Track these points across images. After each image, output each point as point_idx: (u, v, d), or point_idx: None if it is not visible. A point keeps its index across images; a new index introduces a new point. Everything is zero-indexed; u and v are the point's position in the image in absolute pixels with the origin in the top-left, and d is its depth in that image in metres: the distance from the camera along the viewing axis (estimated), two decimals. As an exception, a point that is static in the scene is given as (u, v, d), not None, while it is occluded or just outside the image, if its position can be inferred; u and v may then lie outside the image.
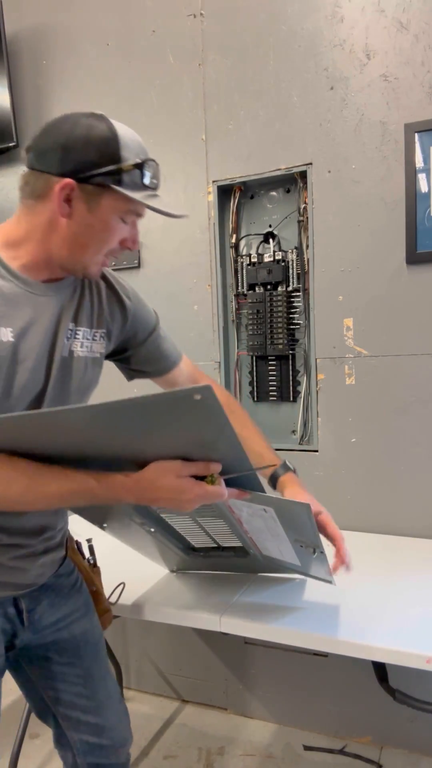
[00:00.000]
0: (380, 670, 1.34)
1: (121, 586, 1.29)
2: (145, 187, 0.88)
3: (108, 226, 0.88)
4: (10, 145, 2.06)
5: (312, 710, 1.86)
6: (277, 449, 1.84)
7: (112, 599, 1.25)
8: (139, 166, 0.87)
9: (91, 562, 1.22)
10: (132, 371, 1.15)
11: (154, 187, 0.90)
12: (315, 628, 1.14)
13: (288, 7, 1.68)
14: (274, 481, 1.19)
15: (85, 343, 1.00)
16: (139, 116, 1.92)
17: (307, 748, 1.81)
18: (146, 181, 0.88)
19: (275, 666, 1.88)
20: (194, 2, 1.80)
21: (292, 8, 1.68)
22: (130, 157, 0.86)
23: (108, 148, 0.84)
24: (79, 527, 1.18)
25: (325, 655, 1.73)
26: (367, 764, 1.73)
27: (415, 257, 1.59)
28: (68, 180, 0.83)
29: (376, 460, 1.71)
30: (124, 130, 0.87)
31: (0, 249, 0.90)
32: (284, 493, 1.18)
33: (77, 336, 0.99)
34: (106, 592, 1.24)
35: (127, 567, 1.36)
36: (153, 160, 0.90)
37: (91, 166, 0.84)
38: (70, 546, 1.16)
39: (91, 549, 1.23)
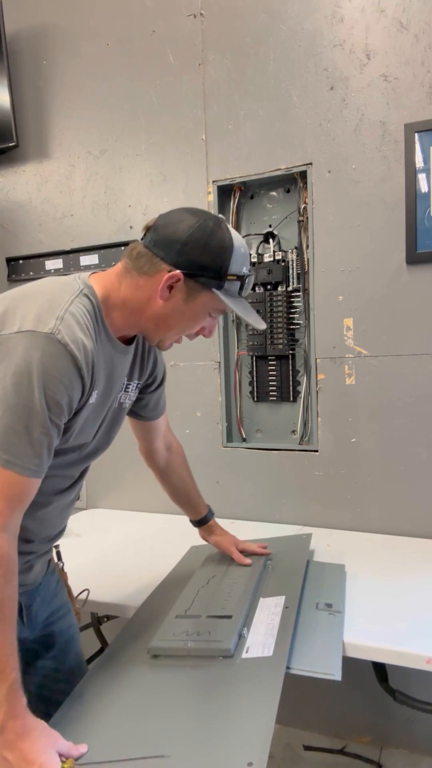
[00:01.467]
0: (380, 670, 1.34)
1: (86, 592, 1.33)
2: (237, 297, 1.00)
3: (196, 317, 1.00)
4: (10, 145, 2.06)
5: (312, 710, 1.86)
6: (277, 449, 1.85)
7: (78, 603, 1.29)
8: (241, 279, 0.98)
9: (60, 565, 1.26)
10: (129, 411, 1.22)
11: (242, 294, 1.01)
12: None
13: (288, 7, 1.68)
14: (198, 524, 1.40)
15: (130, 394, 1.13)
16: (139, 116, 1.92)
17: (307, 748, 1.81)
18: (242, 293, 1.00)
19: (275, 666, 1.88)
20: (194, 2, 1.80)
21: (292, 8, 1.68)
22: (235, 270, 0.96)
23: (220, 258, 0.94)
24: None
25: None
26: (367, 764, 1.73)
27: (415, 257, 1.59)
28: (178, 272, 0.93)
29: (376, 460, 1.70)
30: (238, 243, 0.97)
31: (102, 307, 0.96)
32: (209, 539, 1.40)
33: (128, 390, 1.11)
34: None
35: (91, 574, 1.43)
36: (252, 275, 1.02)
37: (201, 268, 0.94)
38: None
39: (58, 554, 1.27)
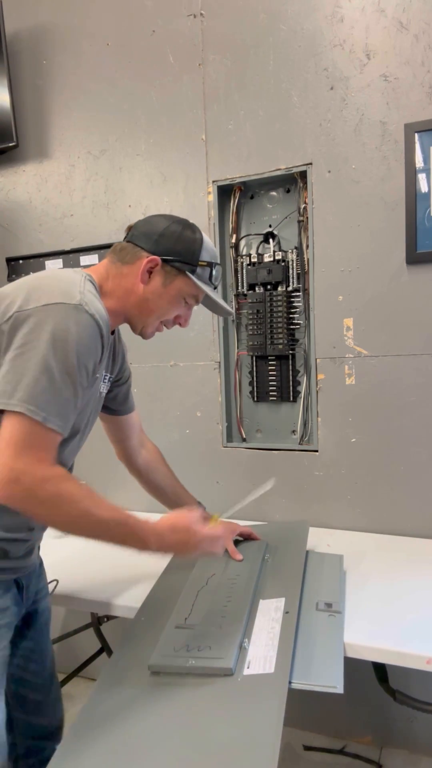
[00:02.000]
0: (380, 670, 1.34)
1: (55, 582, 1.36)
2: (209, 283, 1.14)
3: (173, 300, 1.12)
4: (10, 145, 2.06)
5: (312, 710, 1.86)
6: (277, 449, 1.85)
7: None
8: (211, 266, 1.13)
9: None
10: (102, 406, 1.28)
11: (215, 285, 1.17)
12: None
13: (288, 7, 1.68)
14: None
15: (106, 384, 1.21)
16: (139, 116, 1.92)
17: (307, 748, 1.81)
18: (212, 279, 1.15)
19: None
20: (194, 2, 1.80)
21: (292, 8, 1.67)
22: (206, 258, 1.12)
23: (192, 247, 1.10)
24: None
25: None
26: (367, 764, 1.73)
27: (415, 257, 1.59)
28: (155, 257, 1.08)
29: (376, 460, 1.71)
30: (207, 241, 1.13)
31: (103, 299, 1.06)
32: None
33: (105, 380, 1.19)
34: None
35: (90, 574, 1.46)
36: (220, 265, 1.17)
37: (175, 254, 1.09)
38: None
39: None
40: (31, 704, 1.22)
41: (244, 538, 1.46)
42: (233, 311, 1.22)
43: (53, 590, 1.35)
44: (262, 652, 1.04)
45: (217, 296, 1.16)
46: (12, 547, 1.05)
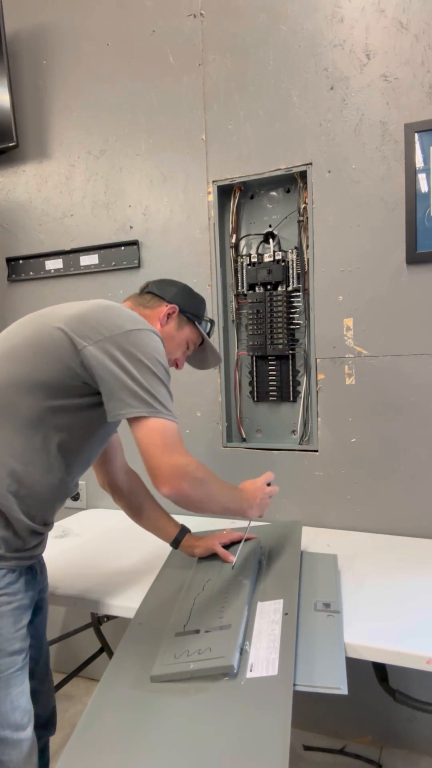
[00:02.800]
0: (380, 670, 1.34)
1: None
2: (207, 336, 1.42)
3: (181, 343, 1.35)
4: (10, 145, 2.06)
5: (312, 710, 1.86)
6: (277, 449, 1.85)
7: None
8: (211, 323, 1.43)
9: None
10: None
11: (209, 336, 1.43)
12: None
13: (288, 7, 1.68)
14: (176, 543, 1.42)
15: None
16: (139, 116, 1.92)
17: (307, 748, 1.81)
18: (209, 331, 1.42)
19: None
20: (194, 2, 1.80)
21: (292, 8, 1.67)
22: (208, 316, 1.43)
23: (201, 306, 1.40)
24: None
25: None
26: (367, 764, 1.73)
27: (415, 257, 1.59)
28: (175, 306, 1.32)
29: (376, 460, 1.71)
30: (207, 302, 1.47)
31: None
32: (195, 551, 1.41)
33: None
34: None
35: (90, 574, 1.46)
36: (214, 325, 1.48)
37: (190, 308, 1.36)
38: None
39: None
40: (29, 692, 1.23)
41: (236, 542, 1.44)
42: (221, 359, 1.55)
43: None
44: (264, 655, 1.03)
45: (212, 346, 1.44)
46: (31, 538, 1.12)
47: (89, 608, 1.37)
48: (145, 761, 0.87)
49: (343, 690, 0.97)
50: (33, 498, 1.09)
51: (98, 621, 1.81)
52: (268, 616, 1.14)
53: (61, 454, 1.10)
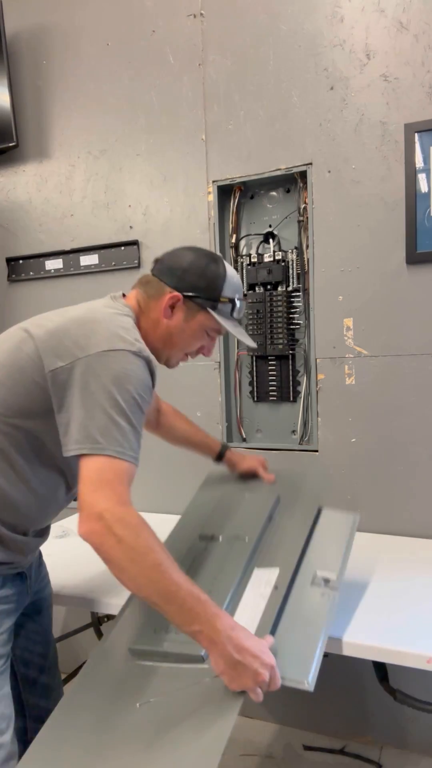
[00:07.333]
0: (380, 670, 1.34)
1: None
2: (230, 318, 1.15)
3: (196, 335, 1.15)
4: (10, 145, 2.06)
5: (312, 710, 1.86)
6: (277, 449, 1.85)
7: None
8: (233, 302, 1.14)
9: None
10: None
11: (238, 319, 1.18)
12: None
13: (288, 7, 1.68)
14: (220, 458, 1.47)
15: None
16: (139, 116, 1.92)
17: (307, 748, 1.81)
18: (234, 314, 1.16)
19: (275, 666, 1.87)
20: (194, 2, 1.80)
21: (292, 8, 1.68)
22: (228, 294, 1.13)
23: (215, 283, 1.11)
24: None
25: (325, 655, 1.73)
26: (367, 764, 1.73)
27: (415, 257, 1.59)
28: (177, 294, 1.10)
29: (376, 460, 1.71)
30: (231, 274, 1.14)
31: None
32: (236, 466, 1.46)
33: None
34: None
35: (91, 574, 1.46)
36: (243, 301, 1.19)
37: (198, 290, 1.11)
38: None
39: None
40: (39, 687, 1.26)
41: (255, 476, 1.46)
42: (255, 344, 1.26)
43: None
44: None
45: (238, 331, 1.18)
46: (16, 549, 1.09)
47: (89, 608, 1.37)
48: (107, 742, 0.89)
49: (309, 686, 0.91)
50: (16, 512, 1.05)
51: (98, 621, 1.81)
52: (259, 587, 1.11)
53: (43, 470, 1.06)
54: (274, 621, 1.03)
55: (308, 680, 0.92)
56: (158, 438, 1.49)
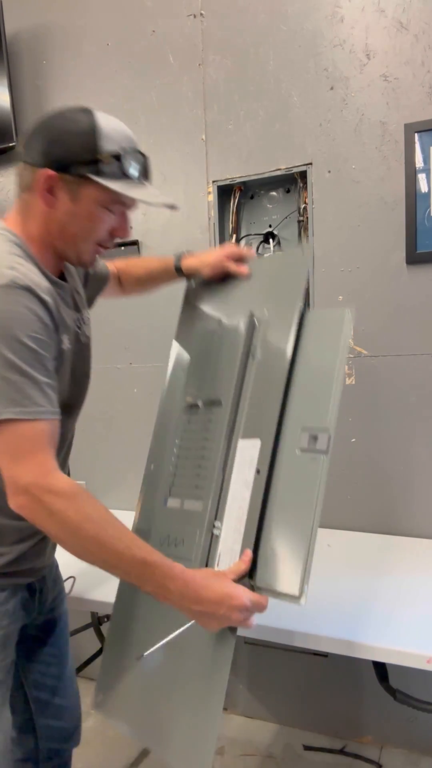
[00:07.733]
0: (380, 670, 1.34)
1: (72, 579, 1.32)
2: (127, 178, 0.88)
3: (92, 215, 0.89)
4: (10, 145, 2.06)
5: (312, 710, 1.86)
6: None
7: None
8: (118, 157, 0.86)
9: None
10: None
11: (138, 178, 0.89)
12: (315, 628, 1.14)
13: (288, 7, 1.68)
14: (180, 272, 1.23)
15: (84, 328, 1.05)
16: (139, 116, 1.92)
17: (307, 748, 1.81)
18: (128, 171, 0.87)
19: (275, 666, 1.87)
20: (194, 2, 1.80)
21: (292, 8, 1.68)
22: (110, 149, 0.85)
23: (87, 141, 0.85)
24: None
25: (325, 655, 1.73)
26: (367, 764, 1.73)
27: (415, 257, 1.59)
28: (48, 171, 0.85)
29: (376, 460, 1.70)
30: (107, 122, 0.87)
31: (31, 247, 0.89)
32: (201, 271, 1.19)
33: (81, 327, 1.04)
34: None
35: (91, 574, 1.38)
36: (137, 151, 0.89)
37: (70, 158, 0.85)
38: None
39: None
40: (53, 708, 1.17)
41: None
42: (175, 203, 0.98)
43: (71, 588, 1.32)
44: (231, 539, 0.90)
45: (143, 193, 0.90)
46: (21, 545, 0.99)
47: (89, 608, 1.37)
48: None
49: (297, 595, 0.82)
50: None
51: (98, 621, 1.81)
52: (243, 470, 0.96)
53: None
54: (258, 521, 0.90)
55: (297, 591, 0.82)
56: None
